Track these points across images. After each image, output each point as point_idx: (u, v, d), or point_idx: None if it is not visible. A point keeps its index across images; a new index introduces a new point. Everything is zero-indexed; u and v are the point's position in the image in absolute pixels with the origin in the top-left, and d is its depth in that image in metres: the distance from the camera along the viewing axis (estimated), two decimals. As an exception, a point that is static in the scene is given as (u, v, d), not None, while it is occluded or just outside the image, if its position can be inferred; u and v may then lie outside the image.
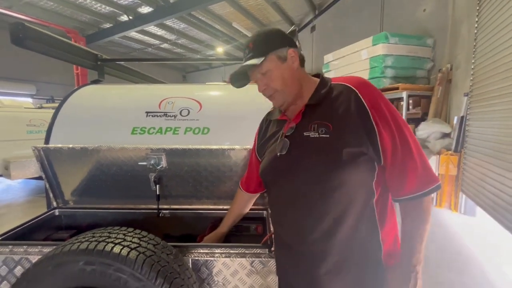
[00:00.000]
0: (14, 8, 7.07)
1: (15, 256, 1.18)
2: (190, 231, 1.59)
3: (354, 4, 6.91)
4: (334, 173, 0.80)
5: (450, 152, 3.83)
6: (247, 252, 1.16)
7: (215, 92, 1.83)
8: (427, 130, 4.12)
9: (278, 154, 0.90)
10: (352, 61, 5.18)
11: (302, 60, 0.92)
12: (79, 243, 0.96)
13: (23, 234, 1.38)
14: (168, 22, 9.01)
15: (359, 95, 0.81)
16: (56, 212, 1.65)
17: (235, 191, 1.37)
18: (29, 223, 1.44)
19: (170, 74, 15.37)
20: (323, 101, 0.87)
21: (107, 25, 8.92)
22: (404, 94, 4.35)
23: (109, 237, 1.00)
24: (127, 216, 1.62)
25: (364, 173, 0.82)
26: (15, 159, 4.75)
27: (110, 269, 0.92)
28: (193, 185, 1.59)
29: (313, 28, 8.63)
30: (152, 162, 1.50)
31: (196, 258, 1.17)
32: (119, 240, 0.99)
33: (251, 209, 1.40)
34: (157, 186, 1.54)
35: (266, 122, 1.11)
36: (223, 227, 1.34)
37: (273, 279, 1.16)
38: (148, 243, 1.04)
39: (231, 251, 1.17)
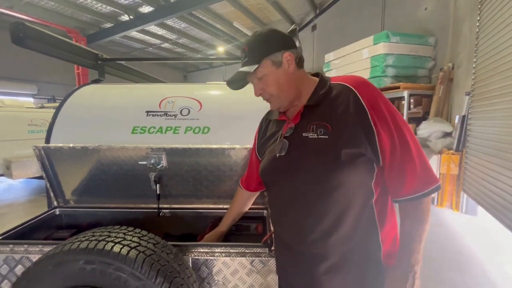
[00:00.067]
0: (15, 8, 7.09)
1: (15, 255, 1.19)
2: (190, 230, 1.60)
3: (355, 3, 6.89)
4: (333, 174, 0.80)
5: (451, 151, 3.82)
6: (247, 251, 1.16)
7: (215, 92, 1.83)
8: (428, 129, 4.10)
9: (277, 155, 0.90)
10: (353, 60, 5.17)
11: (300, 62, 0.89)
12: (79, 242, 0.96)
13: (24, 233, 1.38)
14: (169, 22, 9.01)
15: (358, 95, 0.80)
16: (57, 211, 1.65)
17: (235, 190, 1.36)
18: (30, 222, 1.44)
19: (171, 73, 15.38)
20: (322, 101, 0.86)
21: (108, 25, 8.93)
22: (405, 93, 4.34)
23: (109, 236, 1.00)
24: (127, 216, 1.63)
25: (363, 174, 0.81)
26: (17, 159, 4.77)
27: (110, 268, 0.92)
28: (193, 184, 1.59)
29: (314, 27, 8.61)
30: (152, 161, 1.50)
31: (196, 257, 1.17)
32: (119, 239, 0.99)
33: (251, 208, 1.40)
34: (157, 185, 1.54)
35: (266, 121, 1.10)
36: (223, 226, 1.34)
37: (273, 278, 1.16)
38: (148, 242, 1.04)
39: (231, 250, 1.17)
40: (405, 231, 0.83)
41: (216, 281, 1.18)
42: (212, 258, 1.17)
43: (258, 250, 1.16)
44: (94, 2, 7.52)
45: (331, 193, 0.81)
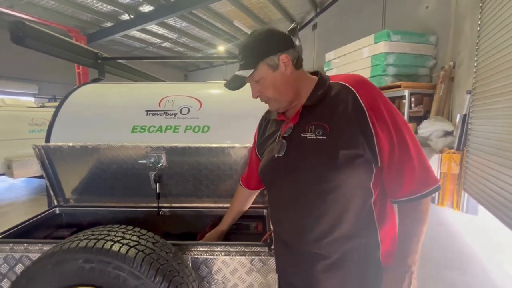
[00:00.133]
0: (16, 7, 7.09)
1: (15, 254, 1.19)
2: (190, 229, 1.59)
3: (355, 2, 6.87)
4: (331, 175, 0.79)
5: (452, 150, 3.81)
6: (246, 250, 1.16)
7: (215, 91, 1.82)
8: (429, 128, 4.09)
9: (276, 155, 0.90)
10: (353, 59, 5.15)
11: (298, 62, 0.87)
12: (78, 241, 0.96)
13: (24, 232, 1.38)
14: (169, 21, 9.01)
15: (357, 95, 0.80)
16: (57, 210, 1.65)
17: (235, 189, 1.36)
18: (30, 221, 1.45)
19: (172, 73, 15.39)
20: (320, 101, 0.85)
21: (108, 24, 8.94)
22: (406, 92, 4.33)
23: (108, 235, 1.00)
24: (127, 214, 1.63)
25: (361, 175, 0.81)
26: (18, 158, 4.78)
27: (109, 267, 0.92)
28: (193, 183, 1.59)
29: (314, 26, 8.60)
30: (152, 160, 1.50)
31: (196, 256, 1.17)
32: (118, 238, 0.99)
33: (251, 207, 1.40)
34: (157, 184, 1.54)
35: (265, 120, 1.10)
36: (224, 225, 1.34)
37: (273, 277, 1.15)
38: (147, 241, 1.03)
39: (231, 249, 1.16)
40: (403, 232, 0.83)
41: (216, 280, 1.18)
42: (211, 257, 1.17)
43: (257, 249, 1.16)
44: (94, 1, 7.52)
45: (329, 194, 0.81)
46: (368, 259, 0.85)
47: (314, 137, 0.83)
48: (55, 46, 1.85)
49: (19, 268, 1.19)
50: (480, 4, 3.45)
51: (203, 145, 1.44)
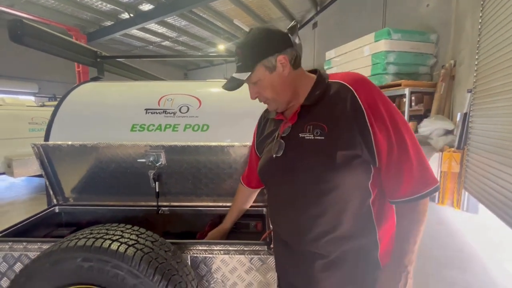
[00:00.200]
0: (16, 6, 7.08)
1: (14, 252, 1.19)
2: (190, 228, 1.59)
3: (356, 0, 6.84)
4: (329, 175, 0.79)
5: (453, 149, 3.80)
6: (246, 249, 1.16)
7: (214, 89, 1.82)
8: (429, 127, 4.08)
9: (274, 156, 0.90)
10: (354, 57, 5.14)
11: (296, 62, 0.86)
12: (76, 240, 0.96)
13: (23, 231, 1.38)
14: (169, 20, 8.99)
15: (355, 94, 0.79)
16: (56, 209, 1.65)
17: (234, 188, 1.36)
18: (29, 220, 1.44)
19: (172, 72, 15.37)
20: (319, 101, 0.84)
21: (108, 23, 8.92)
22: (406, 91, 4.31)
23: (107, 234, 1.00)
24: (126, 213, 1.62)
25: (359, 175, 0.81)
26: (18, 157, 4.79)
27: (108, 266, 0.91)
28: (193, 182, 1.58)
29: (315, 25, 8.57)
30: (151, 159, 1.49)
31: (195, 255, 1.16)
32: (117, 237, 0.98)
33: (250, 206, 1.40)
34: (156, 183, 1.54)
35: (264, 119, 1.10)
36: (227, 223, 1.34)
37: (272, 276, 1.15)
38: (146, 240, 1.03)
39: (230, 248, 1.16)
40: (401, 232, 0.83)
41: (215, 279, 1.18)
42: (211, 255, 1.16)
43: (257, 248, 1.16)
44: (94, 0, 7.50)
45: (327, 194, 0.81)
46: (367, 259, 0.85)
47: (312, 138, 0.82)
48: (54, 44, 1.85)
49: (18, 267, 1.19)
50: (481, 2, 3.43)
51: (202, 143, 1.43)
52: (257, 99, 0.94)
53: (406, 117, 4.42)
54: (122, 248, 0.94)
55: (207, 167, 1.53)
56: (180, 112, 1.58)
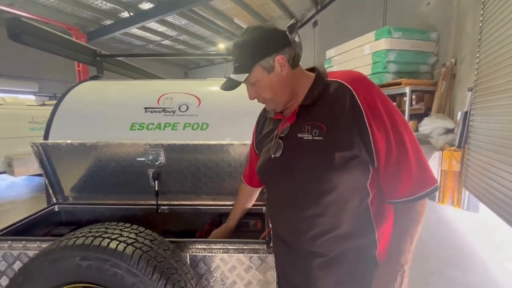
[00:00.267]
0: (16, 5, 7.08)
1: (14, 251, 1.19)
2: (189, 227, 1.59)
3: (356, -2, 6.81)
4: (327, 175, 0.79)
5: (453, 148, 3.79)
6: (245, 247, 1.16)
7: (214, 88, 1.81)
8: (430, 125, 4.07)
9: (273, 156, 0.89)
10: (354, 56, 5.12)
11: (294, 61, 0.84)
12: (75, 239, 0.96)
13: (23, 230, 1.38)
14: (169, 18, 8.97)
15: (354, 93, 0.77)
16: (56, 208, 1.65)
17: (234, 186, 1.36)
18: (29, 219, 1.44)
19: (172, 71, 15.36)
20: (317, 100, 0.84)
21: (108, 22, 8.91)
22: (407, 90, 4.30)
23: (106, 232, 1.00)
24: (126, 212, 1.62)
25: (358, 175, 0.80)
26: (18, 156, 4.79)
27: (106, 265, 0.91)
28: (192, 181, 1.58)
29: (315, 23, 8.55)
30: (150, 157, 1.49)
31: (194, 253, 1.16)
32: (116, 236, 0.98)
33: (249, 205, 1.40)
34: (156, 182, 1.54)
35: (263, 118, 1.09)
36: (231, 221, 1.34)
37: (272, 275, 1.15)
38: (145, 239, 1.03)
39: (229, 247, 1.16)
40: (398, 231, 0.82)
41: (214, 278, 1.18)
42: (210, 254, 1.16)
43: (256, 247, 1.15)
44: (94, -2, 7.50)
45: (326, 194, 0.81)
46: (365, 257, 0.85)
47: (311, 138, 0.82)
48: (52, 42, 1.84)
49: (17, 266, 1.19)
50: (482, 0, 3.41)
51: (201, 142, 1.43)
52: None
53: (406, 116, 4.41)
54: (121, 247, 0.94)
55: (206, 166, 1.53)
56: (180, 110, 1.57)
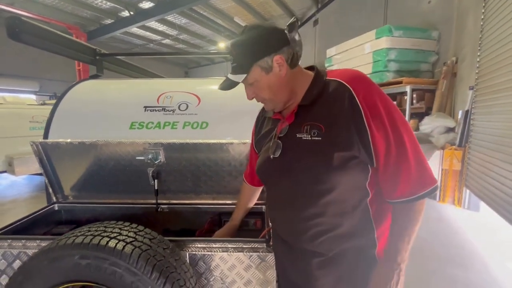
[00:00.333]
0: (16, 4, 7.07)
1: (13, 250, 1.19)
2: (189, 226, 1.59)
3: (357, -3, 6.79)
4: (326, 176, 0.79)
5: (454, 146, 3.79)
6: (245, 246, 1.15)
7: (214, 87, 1.81)
8: (431, 124, 4.06)
9: (271, 156, 0.89)
10: (355, 54, 5.11)
11: (293, 61, 0.83)
12: (74, 237, 0.96)
13: (23, 229, 1.38)
14: (170, 17, 8.95)
15: (353, 92, 0.77)
16: (56, 207, 1.65)
17: (233, 185, 1.35)
18: (28, 217, 1.44)
19: (172, 70, 15.35)
20: (316, 100, 0.83)
21: (108, 21, 8.90)
22: (407, 88, 4.29)
23: (105, 231, 1.00)
24: (125, 211, 1.62)
25: (357, 176, 0.80)
26: (19, 155, 4.81)
27: (106, 263, 0.91)
28: (192, 179, 1.58)
29: (315, 22, 8.52)
30: (150, 156, 1.49)
31: (194, 252, 1.16)
32: (115, 234, 0.98)
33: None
34: (155, 181, 1.53)
35: (262, 117, 1.09)
36: (235, 220, 1.34)
37: (271, 274, 1.15)
38: (144, 237, 1.03)
39: (229, 246, 1.16)
40: (396, 230, 0.82)
41: (214, 277, 1.17)
42: (209, 253, 1.16)
43: (256, 246, 1.15)
44: (94, -2, 7.49)
45: (325, 194, 0.80)
46: (365, 256, 0.85)
47: (310, 138, 0.81)
48: (52, 41, 1.84)
49: (17, 264, 1.19)
50: (484, -2, 3.40)
51: (201, 141, 1.42)
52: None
53: (407, 115, 4.40)
54: (120, 246, 0.94)
55: (206, 165, 1.52)
56: (179, 109, 1.57)
